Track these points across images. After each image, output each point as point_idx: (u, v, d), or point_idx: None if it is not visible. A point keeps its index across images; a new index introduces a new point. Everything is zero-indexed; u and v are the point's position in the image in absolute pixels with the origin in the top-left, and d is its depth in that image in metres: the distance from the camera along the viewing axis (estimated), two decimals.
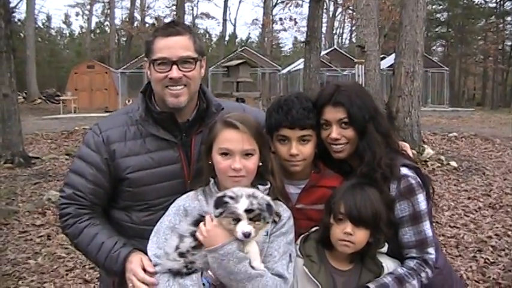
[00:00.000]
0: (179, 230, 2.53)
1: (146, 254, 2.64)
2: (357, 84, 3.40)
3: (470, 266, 6.65)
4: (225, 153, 2.58)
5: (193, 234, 2.47)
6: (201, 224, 2.46)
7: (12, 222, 8.69)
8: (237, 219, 2.36)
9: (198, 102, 2.97)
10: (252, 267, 2.40)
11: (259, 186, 2.60)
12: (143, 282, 2.54)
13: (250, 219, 2.36)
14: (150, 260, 2.59)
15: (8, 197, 10.40)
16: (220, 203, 2.40)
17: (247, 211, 2.35)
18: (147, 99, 2.92)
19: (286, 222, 2.63)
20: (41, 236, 7.96)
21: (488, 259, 6.90)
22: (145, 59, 2.88)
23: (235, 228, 2.36)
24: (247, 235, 2.34)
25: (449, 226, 8.40)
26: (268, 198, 2.48)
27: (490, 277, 6.34)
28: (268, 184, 2.64)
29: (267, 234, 2.54)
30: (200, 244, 2.44)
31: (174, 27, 2.82)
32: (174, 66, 2.74)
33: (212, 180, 2.66)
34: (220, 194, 2.46)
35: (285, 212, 2.66)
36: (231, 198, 2.39)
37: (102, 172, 2.84)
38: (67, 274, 6.50)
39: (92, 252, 2.81)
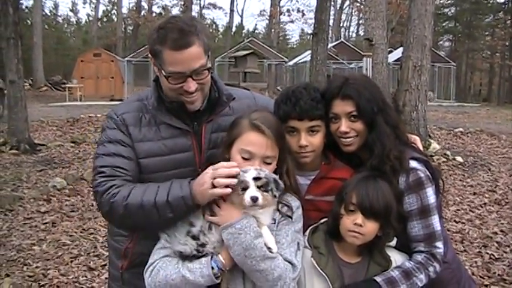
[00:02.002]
0: (189, 217, 2.54)
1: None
2: (365, 77, 3.37)
3: (475, 262, 6.64)
4: (247, 155, 2.58)
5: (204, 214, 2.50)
6: (214, 205, 2.47)
7: (17, 208, 8.71)
8: (245, 188, 2.40)
9: (209, 91, 2.94)
10: (269, 248, 2.41)
11: None
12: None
13: (258, 187, 2.40)
14: None
15: (13, 183, 10.41)
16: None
17: (255, 179, 2.41)
18: (159, 88, 2.90)
19: (294, 211, 2.63)
20: (46, 223, 7.97)
21: (493, 255, 6.89)
22: (152, 60, 2.78)
23: (244, 196, 2.39)
24: (254, 199, 2.38)
25: (455, 221, 8.39)
26: (275, 175, 2.53)
27: (495, 273, 6.33)
28: (277, 175, 2.61)
29: (274, 223, 2.55)
30: (212, 225, 2.47)
31: (183, 37, 2.65)
32: (189, 79, 2.69)
33: None
34: None
35: (294, 201, 2.66)
36: (241, 171, 2.45)
37: (132, 148, 2.78)
38: (71, 261, 6.52)
39: (149, 198, 2.58)
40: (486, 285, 6.04)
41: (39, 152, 14.00)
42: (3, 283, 5.72)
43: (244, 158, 2.58)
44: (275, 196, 2.48)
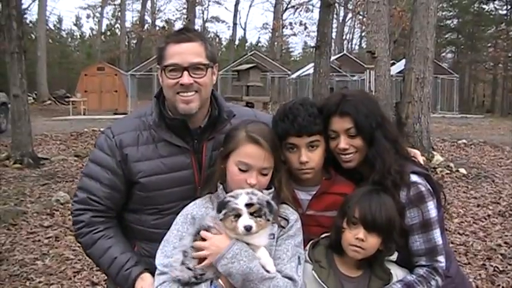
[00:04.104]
0: (182, 245, 2.54)
1: (155, 264, 2.64)
2: (363, 92, 3.37)
3: (480, 274, 6.60)
4: (244, 167, 2.59)
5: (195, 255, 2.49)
6: (197, 243, 2.47)
7: (20, 223, 8.69)
8: (238, 215, 2.39)
9: (210, 109, 2.97)
10: (267, 272, 2.41)
11: (264, 190, 2.61)
12: None
13: (251, 214, 2.39)
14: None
15: (16, 198, 10.39)
16: (222, 205, 2.44)
17: (247, 205, 2.39)
18: (161, 104, 2.92)
19: (293, 224, 2.63)
20: (49, 237, 7.95)
21: (497, 267, 6.84)
22: (158, 66, 2.88)
23: (237, 224, 2.38)
24: (248, 228, 2.37)
25: (458, 233, 8.35)
26: (268, 197, 2.52)
27: (499, 285, 6.29)
28: (272, 188, 2.65)
29: (274, 238, 2.55)
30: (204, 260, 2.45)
31: (186, 33, 2.81)
32: (185, 73, 2.74)
33: (221, 186, 2.66)
34: (221, 198, 2.50)
35: (292, 214, 2.67)
36: (232, 197, 2.44)
37: (118, 176, 2.85)
38: (74, 276, 6.50)
39: (103, 264, 2.83)
40: None
41: (43, 166, 13.98)
42: None
43: (241, 170, 2.59)
44: (268, 220, 2.46)
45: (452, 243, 7.73)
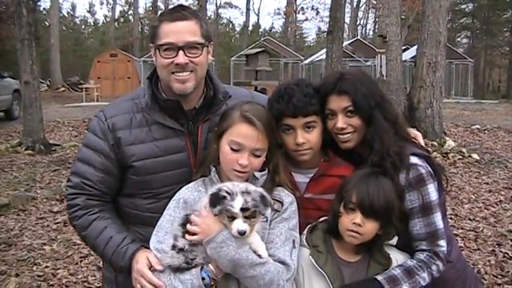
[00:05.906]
0: (173, 229, 2.50)
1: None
2: (361, 72, 3.29)
3: (489, 260, 6.53)
4: (236, 147, 2.53)
5: (185, 234, 2.45)
6: (193, 217, 2.43)
7: (30, 208, 8.75)
8: (233, 217, 2.33)
9: (205, 90, 2.90)
10: (259, 256, 2.36)
11: (256, 173, 2.56)
12: (150, 283, 2.49)
13: (245, 217, 2.33)
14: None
15: (27, 184, 10.46)
16: (217, 199, 2.36)
17: (243, 210, 2.32)
18: (154, 86, 2.85)
19: (287, 207, 2.58)
20: (58, 223, 7.99)
21: (507, 253, 6.76)
22: (151, 44, 2.80)
23: (231, 226, 2.33)
24: (242, 233, 2.31)
25: (469, 219, 8.26)
26: (262, 189, 2.44)
27: (508, 272, 6.21)
28: (265, 170, 2.59)
29: (267, 221, 2.50)
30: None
31: (181, 11, 2.73)
32: (181, 52, 2.67)
33: (213, 169, 2.61)
34: (214, 190, 2.41)
35: (287, 197, 2.61)
36: (227, 193, 2.36)
37: (111, 159, 2.78)
38: (81, 261, 6.53)
39: (99, 245, 2.76)
40: (499, 284, 5.93)
41: (54, 153, 14.05)
42: (10, 283, 5.73)
43: (233, 149, 2.53)
44: (263, 214, 2.41)
45: (462, 228, 7.67)
